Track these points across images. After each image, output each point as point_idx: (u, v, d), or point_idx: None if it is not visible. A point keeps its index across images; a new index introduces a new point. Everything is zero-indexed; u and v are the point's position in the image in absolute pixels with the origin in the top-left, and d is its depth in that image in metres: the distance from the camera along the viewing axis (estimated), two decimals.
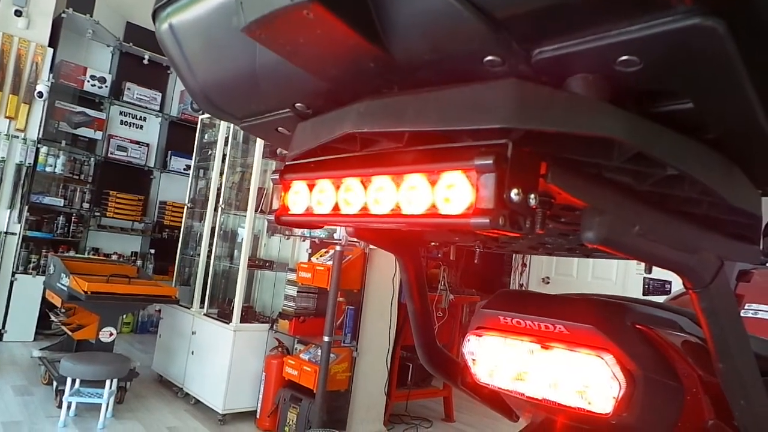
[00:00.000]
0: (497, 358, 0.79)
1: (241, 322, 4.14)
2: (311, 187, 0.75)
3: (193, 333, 4.50)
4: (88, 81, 6.56)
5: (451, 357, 1.02)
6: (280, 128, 0.87)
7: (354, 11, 0.55)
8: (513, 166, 0.54)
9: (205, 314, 4.51)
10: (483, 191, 0.55)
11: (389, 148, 0.68)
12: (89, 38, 6.59)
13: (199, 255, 4.82)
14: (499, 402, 0.90)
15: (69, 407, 3.63)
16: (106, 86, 6.72)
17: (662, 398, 0.72)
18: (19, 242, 5.76)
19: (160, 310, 5.24)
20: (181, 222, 5.53)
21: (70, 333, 4.19)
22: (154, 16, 0.80)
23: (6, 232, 5.68)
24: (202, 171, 5.33)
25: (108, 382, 3.63)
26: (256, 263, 4.62)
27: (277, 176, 0.78)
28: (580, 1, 0.46)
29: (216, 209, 4.74)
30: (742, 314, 1.56)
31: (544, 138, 0.55)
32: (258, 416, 4.05)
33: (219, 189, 4.76)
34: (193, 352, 4.43)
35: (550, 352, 0.73)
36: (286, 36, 0.58)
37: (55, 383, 3.90)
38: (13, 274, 5.69)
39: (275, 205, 0.79)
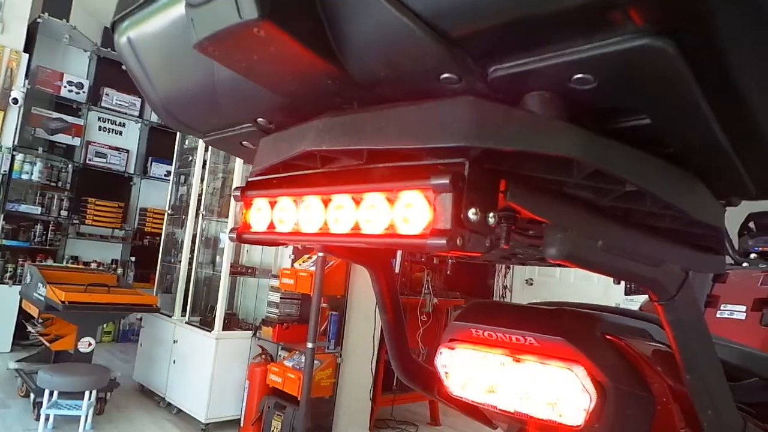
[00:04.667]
0: (469, 370, 0.79)
1: (223, 329, 4.10)
2: (273, 204, 0.74)
3: (174, 342, 4.43)
4: (65, 87, 6.46)
5: (426, 367, 1.02)
6: (244, 142, 0.86)
7: (307, 29, 0.54)
8: (471, 185, 0.54)
9: (186, 322, 4.45)
10: (440, 211, 0.54)
11: (350, 166, 0.68)
12: (66, 43, 6.50)
13: (180, 262, 4.76)
14: (477, 411, 0.90)
15: (47, 420, 3.54)
16: (84, 92, 6.63)
17: (633, 409, 0.73)
18: None
19: (141, 318, 5.16)
20: (162, 229, 5.46)
21: (47, 344, 4.10)
22: (113, 28, 0.79)
23: None
24: (183, 177, 5.26)
25: (87, 394, 3.56)
26: (239, 270, 4.57)
27: (238, 193, 0.77)
28: (533, 20, 0.47)
29: (197, 216, 4.68)
30: (717, 315, 1.57)
31: (502, 156, 0.55)
32: (242, 425, 4.00)
33: (200, 195, 4.71)
34: (175, 361, 4.36)
35: (521, 365, 0.73)
36: (239, 53, 0.58)
37: (32, 395, 3.81)
38: None
39: (237, 223, 0.77)
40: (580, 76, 0.50)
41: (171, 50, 0.73)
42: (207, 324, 4.25)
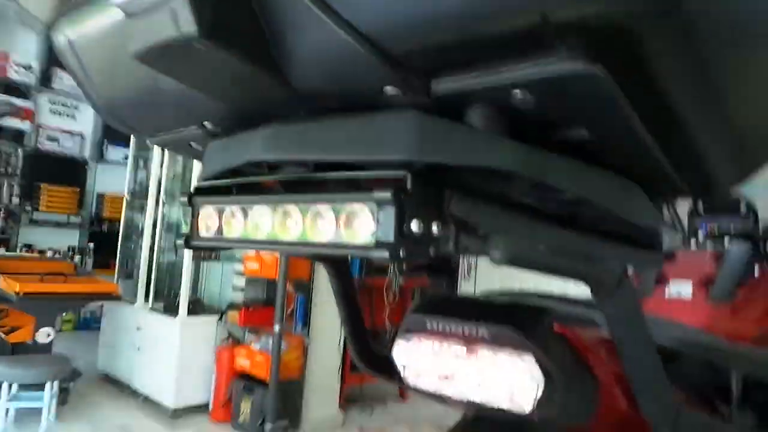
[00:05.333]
0: (425, 361, 0.81)
1: (188, 314, 4.05)
2: (220, 211, 0.74)
3: (138, 329, 4.37)
4: (12, 68, 6.17)
5: (387, 357, 1.04)
6: (192, 143, 0.85)
7: (249, 43, 0.54)
8: (414, 197, 0.55)
9: (151, 309, 4.39)
10: (382, 224, 0.55)
11: (297, 173, 0.68)
12: (13, 23, 6.19)
13: (141, 248, 4.67)
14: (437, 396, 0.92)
15: (7, 413, 3.47)
16: (33, 74, 6.35)
17: (579, 394, 0.76)
18: None
19: (102, 305, 5.05)
20: (121, 214, 5.33)
21: (3, 336, 3.98)
22: (50, 27, 0.77)
23: None
24: (141, 161, 5.13)
25: (48, 385, 3.49)
26: (202, 255, 4.50)
27: (185, 199, 0.77)
28: (469, 40, 0.48)
29: (158, 201, 4.58)
30: (666, 296, 1.64)
31: (446, 167, 0.56)
32: (211, 408, 3.99)
33: (160, 180, 4.60)
34: (139, 348, 4.31)
35: (473, 355, 0.76)
36: (179, 64, 0.57)
37: None
38: None
39: (184, 229, 0.78)
40: (517, 92, 0.51)
41: (112, 53, 0.71)
42: (171, 309, 4.20)
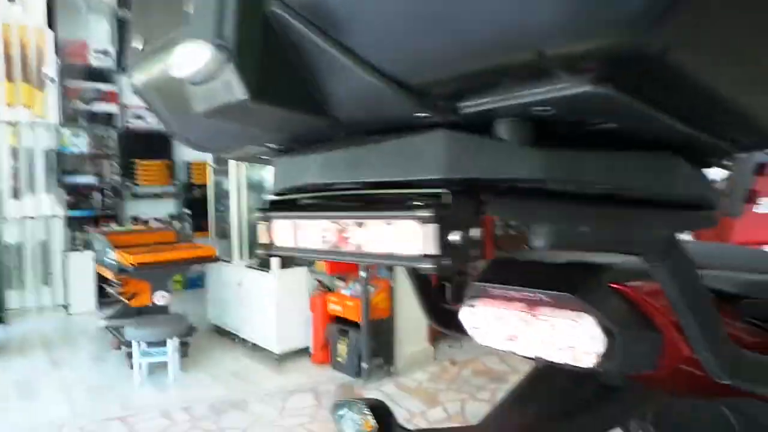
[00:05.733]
0: (490, 324, 0.86)
1: (281, 267, 4.34)
2: (291, 223, 0.82)
3: (239, 284, 4.74)
4: (92, 55, 6.58)
5: (454, 311, 1.07)
6: (262, 157, 0.95)
7: (295, 95, 0.62)
8: (454, 210, 0.61)
9: (247, 266, 4.74)
10: (427, 239, 0.61)
11: (353, 190, 0.76)
12: (85, 12, 6.55)
13: (230, 210, 4.98)
14: None
15: (140, 367, 3.96)
16: (111, 57, 6.73)
17: (640, 346, 0.79)
18: (64, 224, 6.06)
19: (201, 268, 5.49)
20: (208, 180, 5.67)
21: (126, 301, 4.50)
22: (128, 74, 0.88)
23: (50, 216, 5.98)
24: None
25: (170, 342, 3.94)
26: None
27: (261, 214, 0.86)
28: (482, 73, 0.53)
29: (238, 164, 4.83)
30: (754, 210, 1.56)
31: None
32: (312, 352, 4.33)
33: None
34: (242, 301, 4.70)
35: (536, 319, 0.80)
36: (236, 117, 0.66)
37: (123, 348, 4.24)
38: (64, 252, 6.03)
39: (263, 239, 0.88)
40: (539, 108, 0.55)
41: (179, 97, 0.78)
42: (265, 264, 4.50)
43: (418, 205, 0.62)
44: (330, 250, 0.75)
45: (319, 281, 4.37)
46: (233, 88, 0.57)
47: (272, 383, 3.96)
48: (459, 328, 1.07)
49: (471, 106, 0.59)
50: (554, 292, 0.77)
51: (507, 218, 0.65)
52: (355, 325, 3.97)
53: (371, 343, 3.89)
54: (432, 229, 0.60)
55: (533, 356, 0.82)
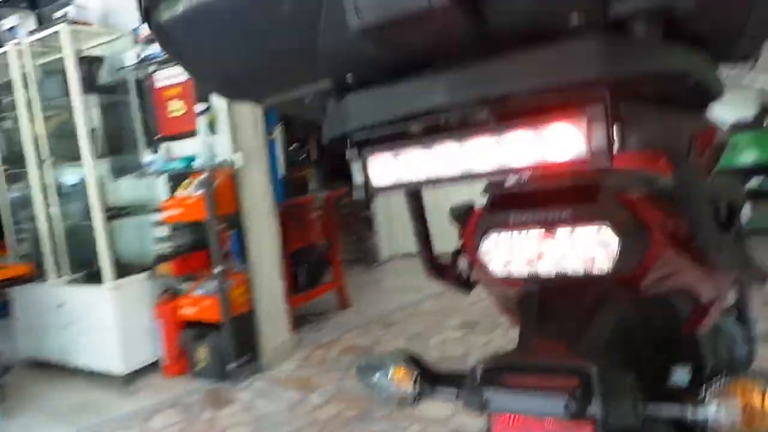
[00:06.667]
0: (513, 252, 0.88)
1: (115, 278, 3.82)
2: (397, 155, 0.80)
3: (59, 306, 4.06)
4: None
5: (447, 264, 1.16)
6: (307, 101, 0.88)
7: None
8: (612, 108, 0.63)
9: (69, 282, 4.08)
10: (595, 137, 0.64)
11: (470, 118, 0.73)
12: None
13: (37, 220, 4.22)
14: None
15: None
16: None
17: (637, 249, 0.87)
18: None
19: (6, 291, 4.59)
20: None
21: None
22: (147, 14, 0.79)
23: None
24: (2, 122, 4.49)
25: None
26: (111, 213, 4.17)
27: (355, 152, 0.84)
28: None
29: (41, 165, 4.09)
30: None
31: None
32: (164, 364, 3.91)
33: (36, 139, 4.08)
34: (66, 325, 4.03)
35: (554, 236, 0.85)
36: (402, 33, 0.64)
37: None
38: None
39: (357, 180, 0.84)
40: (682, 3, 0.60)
41: (211, 30, 0.75)
42: (94, 277, 3.92)
43: (583, 102, 0.64)
44: (459, 175, 0.75)
45: (165, 285, 3.94)
46: None
47: (125, 407, 3.49)
48: (456, 279, 1.16)
49: (619, 7, 0.60)
50: (572, 209, 0.83)
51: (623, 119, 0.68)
52: (214, 326, 3.68)
53: (234, 341, 3.64)
54: (601, 125, 0.63)
55: (554, 275, 0.86)
